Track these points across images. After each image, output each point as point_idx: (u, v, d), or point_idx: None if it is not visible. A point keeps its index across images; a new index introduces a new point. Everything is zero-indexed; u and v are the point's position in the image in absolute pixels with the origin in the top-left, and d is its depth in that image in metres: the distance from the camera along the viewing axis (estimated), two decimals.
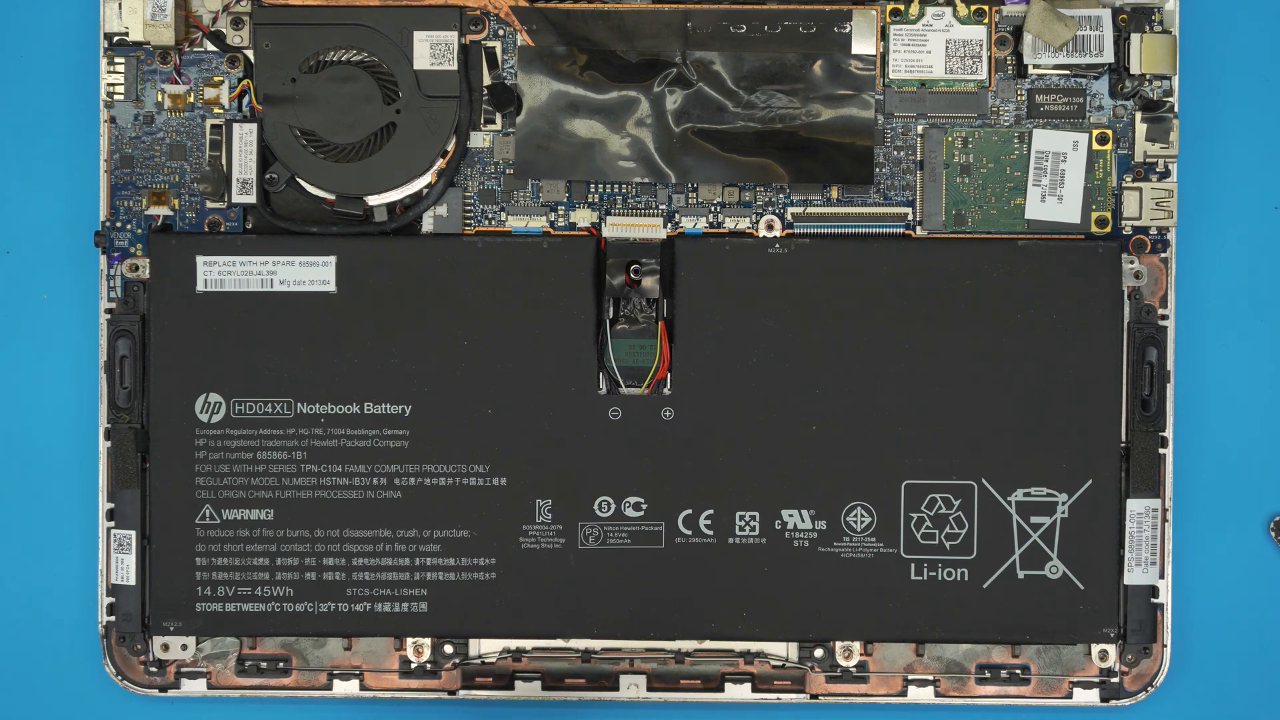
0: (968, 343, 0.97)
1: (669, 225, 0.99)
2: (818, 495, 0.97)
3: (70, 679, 1.01)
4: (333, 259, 0.97)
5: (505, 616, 0.98)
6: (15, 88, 1.01)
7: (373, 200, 0.98)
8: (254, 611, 0.98)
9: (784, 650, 0.99)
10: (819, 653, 0.99)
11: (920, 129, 0.99)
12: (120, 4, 0.98)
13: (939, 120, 0.99)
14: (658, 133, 0.98)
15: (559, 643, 0.99)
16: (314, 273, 0.97)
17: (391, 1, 0.97)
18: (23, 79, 1.01)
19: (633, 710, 1.01)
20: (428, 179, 0.98)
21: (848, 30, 0.98)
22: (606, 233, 0.98)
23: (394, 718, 1.01)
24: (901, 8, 0.98)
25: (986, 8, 0.98)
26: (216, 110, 0.99)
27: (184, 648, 0.98)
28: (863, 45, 0.98)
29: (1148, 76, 0.98)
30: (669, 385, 0.98)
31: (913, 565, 0.98)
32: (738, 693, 0.99)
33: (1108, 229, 0.98)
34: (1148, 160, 0.98)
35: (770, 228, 0.99)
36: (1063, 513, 0.97)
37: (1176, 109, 0.98)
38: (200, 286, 0.97)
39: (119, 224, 0.99)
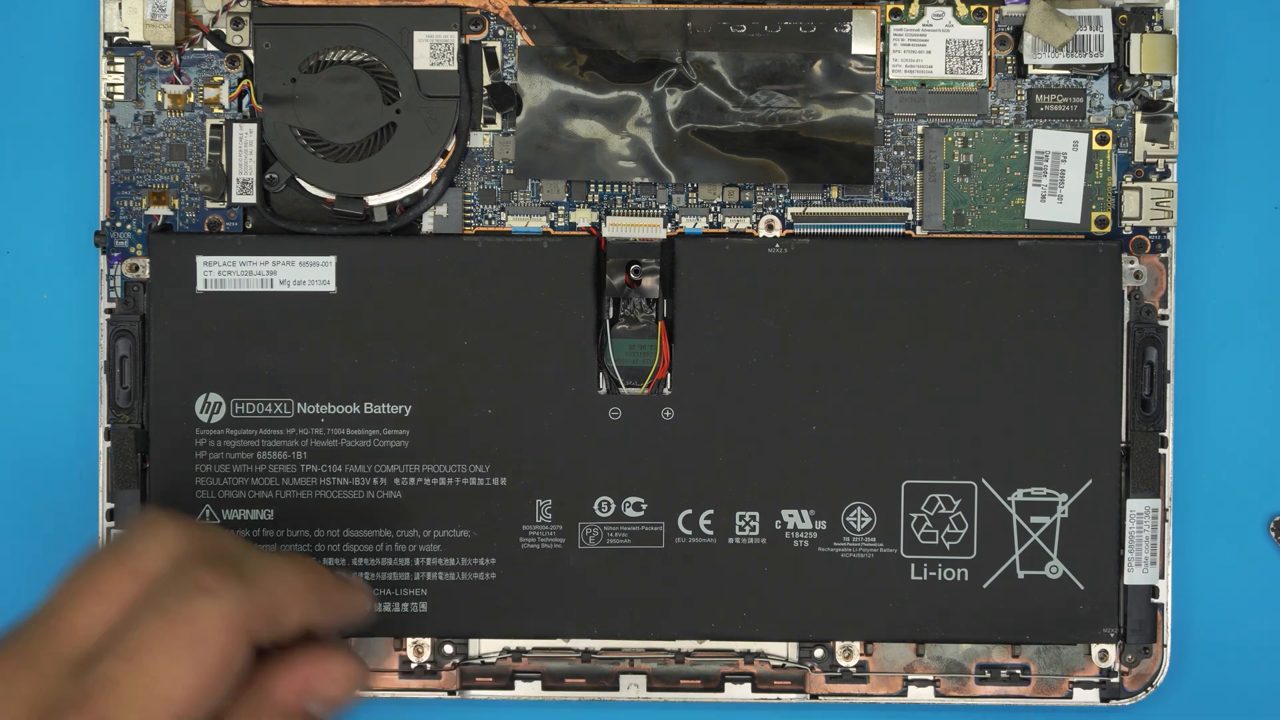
0: (968, 343, 0.97)
1: (669, 225, 0.99)
2: (818, 495, 0.97)
3: None
4: (333, 259, 0.97)
5: (505, 616, 0.98)
6: (15, 88, 1.01)
7: (373, 200, 0.98)
8: None
9: (784, 650, 0.99)
10: (819, 653, 0.99)
11: (920, 129, 0.99)
12: (120, 4, 0.98)
13: (939, 120, 0.99)
14: (658, 133, 0.98)
15: (559, 643, 0.99)
16: (314, 273, 0.97)
17: (391, 1, 0.97)
18: (23, 79, 1.01)
19: (633, 710, 1.00)
20: (428, 179, 0.98)
21: (848, 30, 0.98)
22: (606, 233, 0.98)
23: (394, 718, 1.01)
24: (901, 8, 0.98)
25: (986, 8, 0.98)
26: (216, 110, 0.99)
27: None
28: (863, 45, 0.98)
29: (1148, 76, 0.98)
30: (669, 385, 0.98)
31: (913, 565, 0.98)
32: (738, 693, 0.99)
33: (1108, 229, 0.98)
34: (1148, 160, 0.98)
35: (770, 228, 0.99)
36: (1063, 513, 0.97)
37: (1176, 109, 0.98)
38: (200, 286, 0.97)
39: (119, 224, 0.99)
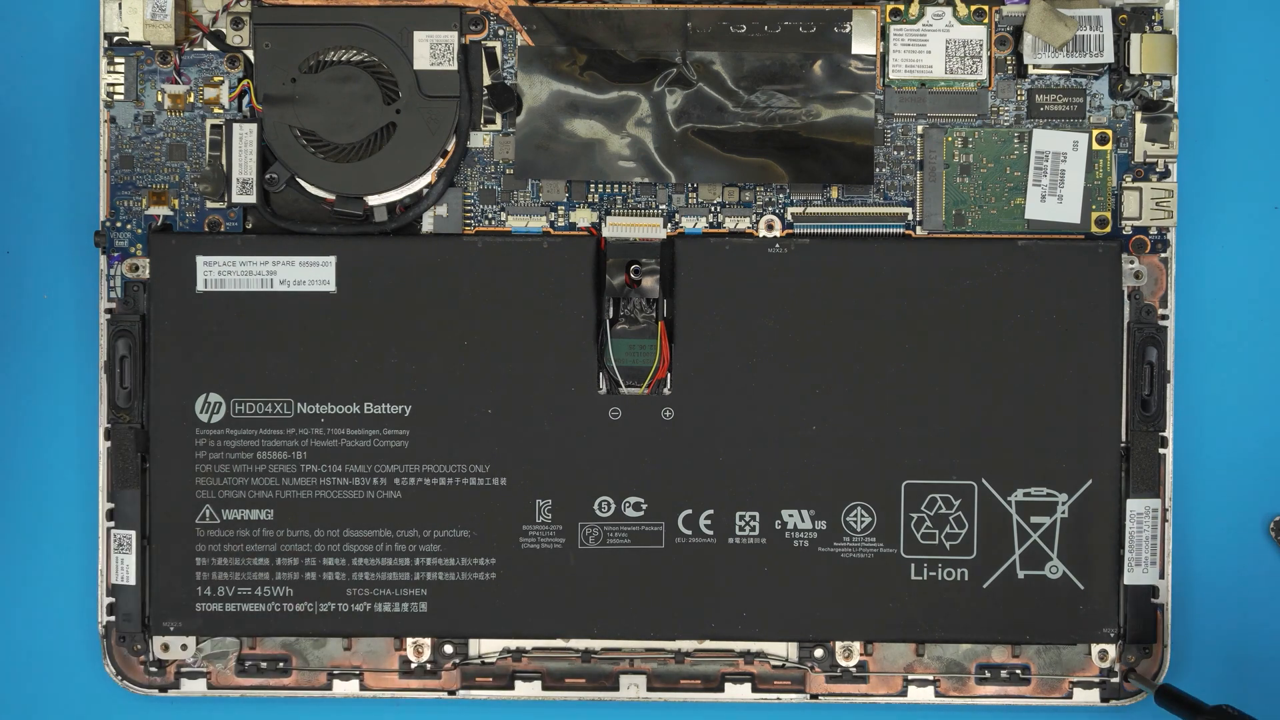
0: (968, 343, 0.97)
1: (669, 225, 0.99)
2: (818, 495, 0.97)
3: (70, 679, 1.01)
4: (333, 259, 0.97)
5: (505, 616, 0.98)
6: (15, 88, 1.01)
7: (373, 200, 0.98)
8: (254, 611, 0.97)
9: (784, 650, 0.99)
10: (819, 653, 0.99)
11: (920, 129, 0.99)
12: (120, 4, 0.98)
13: (939, 120, 0.99)
14: (658, 133, 0.98)
15: (559, 643, 0.99)
16: (314, 273, 0.97)
17: (391, 1, 0.97)
18: (23, 79, 1.01)
19: (633, 710, 1.01)
20: (428, 179, 0.98)
21: (848, 30, 0.98)
22: (606, 233, 0.98)
23: (394, 718, 1.01)
24: (901, 8, 0.98)
25: (986, 8, 0.98)
26: (216, 110, 0.99)
27: (184, 648, 0.98)
28: (863, 45, 0.98)
29: (1148, 76, 0.98)
30: (669, 385, 0.98)
31: (913, 565, 0.98)
32: (738, 693, 0.99)
33: (1108, 229, 0.98)
34: (1148, 160, 0.98)
35: (770, 228, 0.99)
36: (1063, 513, 0.97)
37: (1176, 109, 0.98)
38: (200, 286, 0.97)
39: (119, 224, 0.99)
